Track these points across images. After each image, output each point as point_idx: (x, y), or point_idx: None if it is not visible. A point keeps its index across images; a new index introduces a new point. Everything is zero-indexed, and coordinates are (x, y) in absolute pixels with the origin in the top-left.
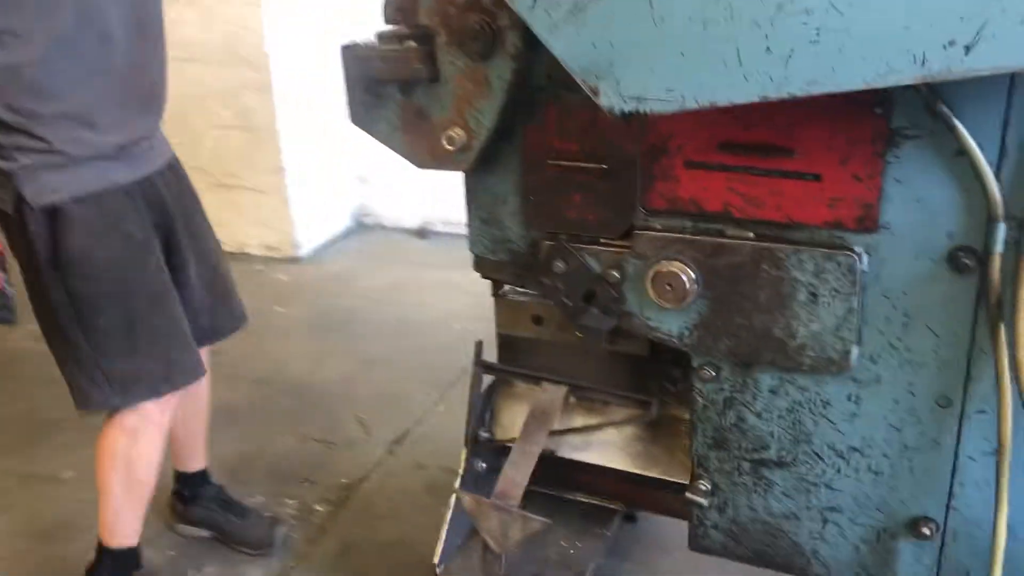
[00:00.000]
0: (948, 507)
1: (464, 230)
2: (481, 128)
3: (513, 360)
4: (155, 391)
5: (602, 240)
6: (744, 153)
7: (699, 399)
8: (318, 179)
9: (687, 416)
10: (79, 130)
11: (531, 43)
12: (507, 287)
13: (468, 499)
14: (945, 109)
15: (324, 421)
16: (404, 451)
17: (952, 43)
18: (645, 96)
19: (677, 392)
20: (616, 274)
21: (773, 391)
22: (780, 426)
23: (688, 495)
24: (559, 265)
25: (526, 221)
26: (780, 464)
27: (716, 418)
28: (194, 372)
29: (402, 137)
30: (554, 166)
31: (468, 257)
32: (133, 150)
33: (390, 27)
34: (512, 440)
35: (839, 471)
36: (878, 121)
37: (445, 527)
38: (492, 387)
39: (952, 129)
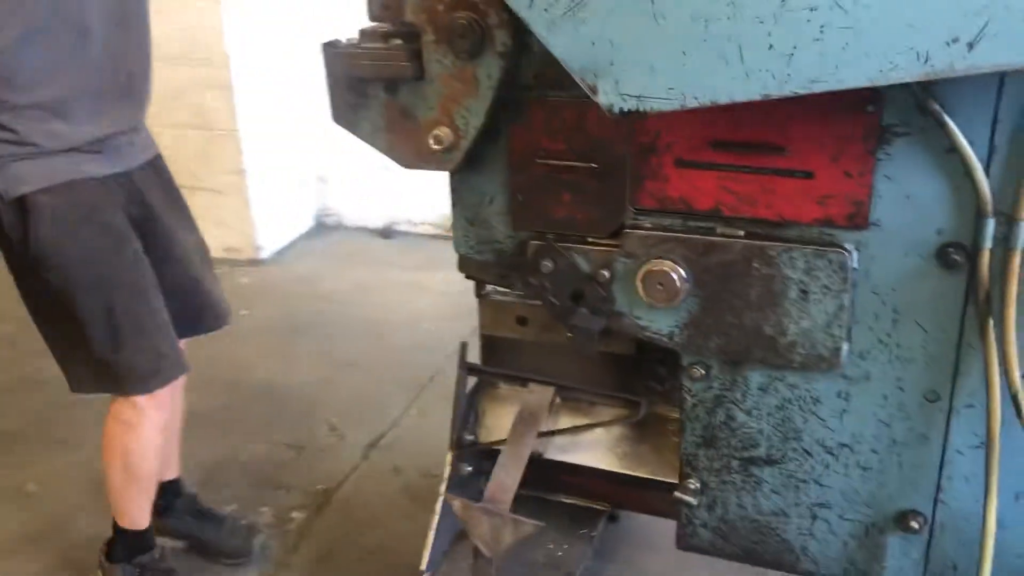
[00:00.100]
0: (936, 500)
1: (428, 230)
2: (468, 127)
3: (497, 361)
4: (145, 386)
5: (590, 239)
6: (735, 151)
7: (688, 398)
8: (279, 179)
9: (674, 415)
10: (51, 121)
11: (520, 41)
12: (490, 287)
13: (458, 504)
14: (937, 106)
15: (296, 426)
16: (379, 455)
17: (955, 40)
18: (645, 95)
19: (664, 391)
20: (606, 273)
21: (763, 389)
22: (770, 424)
23: (677, 494)
24: (547, 265)
25: (513, 221)
26: (769, 461)
27: (705, 417)
28: (182, 366)
29: (386, 136)
30: (542, 165)
31: (433, 257)
32: (109, 144)
33: (372, 24)
34: (497, 443)
35: (828, 467)
36: (870, 118)
37: (432, 532)
38: (476, 389)
39: (943, 126)
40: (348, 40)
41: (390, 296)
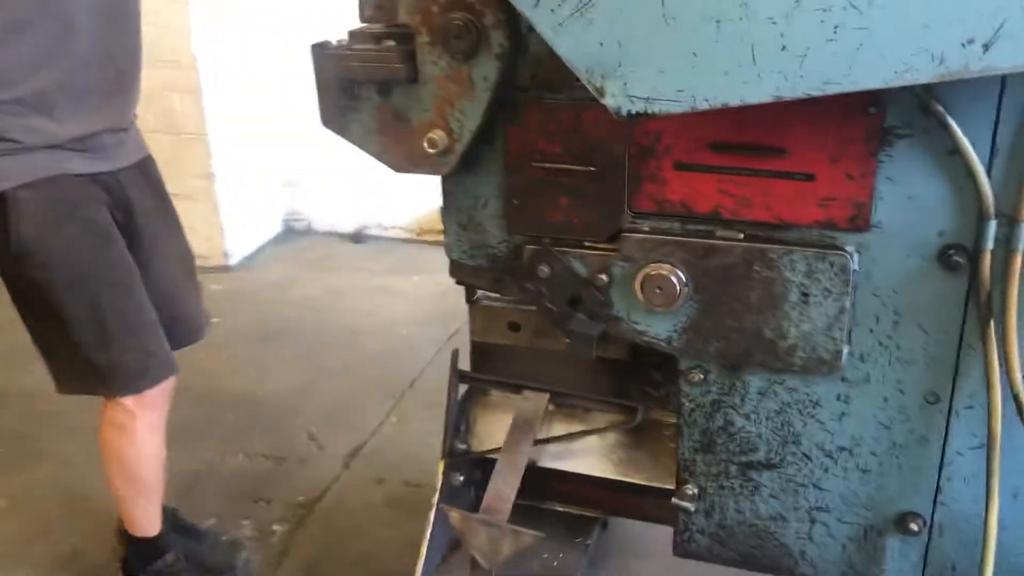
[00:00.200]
0: (935, 502)
1: (400, 234)
2: (464, 130)
3: (488, 368)
4: (134, 386)
5: (587, 243)
6: (735, 153)
7: (686, 402)
8: (247, 184)
9: (670, 420)
10: (33, 118)
11: (516, 42)
12: (480, 293)
13: (455, 515)
14: (940, 108)
15: (273, 436)
16: (360, 465)
17: (971, 41)
18: (654, 97)
19: (660, 396)
20: (604, 278)
21: (762, 393)
22: (768, 428)
23: (675, 500)
24: (543, 269)
25: (508, 225)
26: (768, 466)
27: (703, 421)
28: (171, 366)
29: (378, 140)
30: (538, 168)
31: (406, 261)
32: (94, 142)
33: (362, 25)
34: (490, 451)
35: (827, 471)
36: (872, 120)
37: (425, 544)
38: (467, 397)
39: (946, 128)
40: (339, 42)
41: (363, 301)
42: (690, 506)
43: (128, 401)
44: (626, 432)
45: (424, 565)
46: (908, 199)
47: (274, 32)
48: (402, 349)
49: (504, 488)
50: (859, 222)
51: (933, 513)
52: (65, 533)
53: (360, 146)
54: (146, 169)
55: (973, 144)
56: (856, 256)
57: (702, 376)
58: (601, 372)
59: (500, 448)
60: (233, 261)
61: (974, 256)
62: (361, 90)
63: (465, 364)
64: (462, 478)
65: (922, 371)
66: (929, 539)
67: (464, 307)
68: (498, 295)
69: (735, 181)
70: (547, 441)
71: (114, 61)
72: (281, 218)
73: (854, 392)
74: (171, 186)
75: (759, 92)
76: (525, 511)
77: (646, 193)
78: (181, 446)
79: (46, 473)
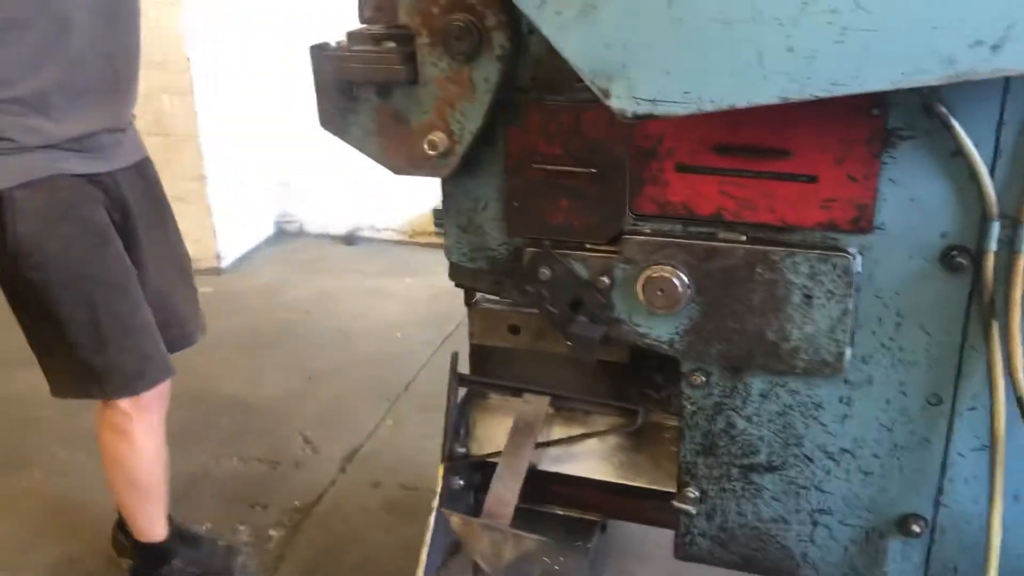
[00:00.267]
0: (937, 504)
1: (392, 236)
2: (464, 132)
3: (487, 371)
4: (130, 388)
5: (588, 246)
6: (737, 155)
7: (688, 405)
8: (239, 185)
9: (671, 423)
10: (30, 117)
11: (517, 43)
12: (479, 296)
13: (457, 520)
14: (943, 109)
15: (268, 440)
16: (356, 469)
17: (979, 43)
18: (660, 98)
19: (661, 398)
20: (605, 280)
21: (764, 395)
22: (770, 430)
23: (676, 503)
24: (544, 272)
25: (508, 227)
26: (770, 468)
27: (705, 424)
28: (168, 368)
29: (378, 141)
30: (539, 170)
31: (398, 263)
32: (91, 142)
33: (361, 27)
34: (490, 455)
35: (829, 473)
36: (875, 122)
37: (425, 548)
38: (465, 400)
39: (949, 129)
40: (338, 43)
41: (356, 304)
42: (692, 509)
43: (124, 403)
44: (626, 435)
45: (424, 570)
46: (911, 201)
47: (265, 34)
48: (396, 352)
49: (505, 492)
50: (862, 224)
51: (935, 515)
52: (58, 541)
53: (359, 148)
54: (144, 171)
55: (976, 145)
56: (859, 258)
57: (704, 378)
58: (601, 375)
59: (500, 452)
60: (225, 263)
61: (977, 257)
62: (360, 92)
63: (463, 367)
64: (462, 482)
65: (924, 373)
66: (931, 541)
67: (458, 309)
68: (497, 298)
69: (737, 183)
70: (548, 444)
71: (112, 61)
72: (273, 220)
73: (856, 394)
74: (163, 188)
75: (766, 94)
76: (524, 514)
77: (647, 195)
78: (175, 450)
79: (26, 484)
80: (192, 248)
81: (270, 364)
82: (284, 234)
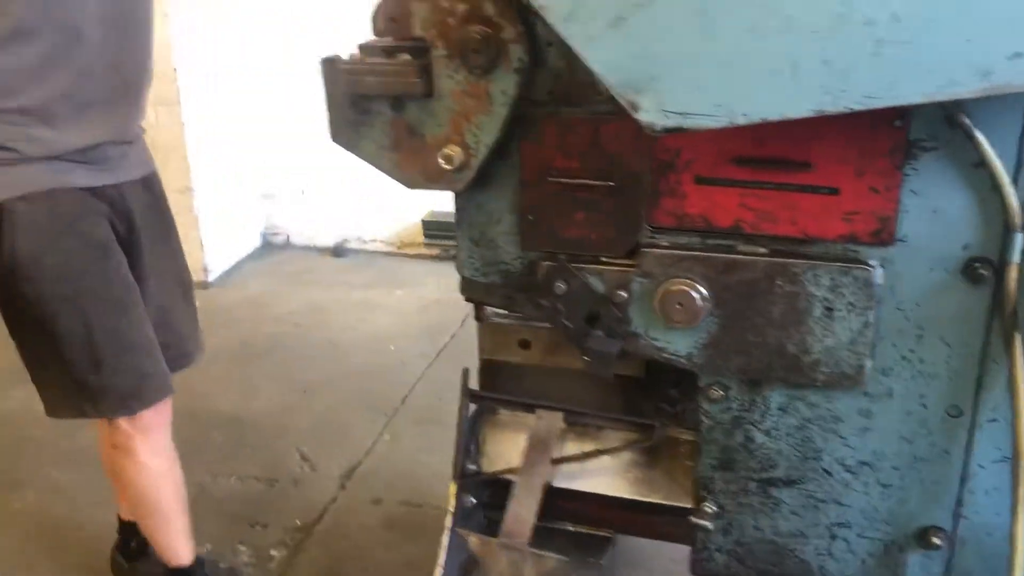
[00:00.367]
0: (957, 516)
1: (380, 247)
2: (480, 145)
3: (497, 387)
4: (126, 407)
5: (604, 259)
6: (758, 167)
7: (705, 420)
8: (225, 197)
9: (685, 437)
10: (35, 127)
11: (535, 56)
12: (489, 310)
13: (475, 540)
14: (967, 121)
15: (264, 457)
16: (356, 486)
17: (1017, 55)
18: (690, 112)
19: (675, 413)
20: (623, 294)
21: (782, 409)
22: (789, 444)
23: (694, 519)
24: (560, 286)
25: (523, 241)
26: (788, 482)
27: (723, 439)
28: (166, 387)
29: (391, 156)
30: (554, 184)
31: (388, 275)
32: (97, 154)
33: (372, 40)
34: (503, 472)
35: (848, 486)
36: (897, 133)
37: (440, 569)
38: (475, 417)
39: (972, 140)
40: (350, 56)
41: (347, 317)
42: (709, 524)
43: (124, 423)
44: (640, 450)
45: None
46: (933, 212)
47: (254, 45)
48: (390, 364)
49: (522, 511)
50: (883, 236)
51: (955, 527)
52: (54, 564)
53: (372, 163)
54: (150, 185)
55: (999, 156)
56: (880, 270)
57: (722, 393)
58: (614, 389)
59: (513, 469)
60: (212, 276)
61: (999, 269)
62: (373, 105)
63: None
64: (474, 500)
65: (945, 385)
66: (951, 553)
67: (451, 321)
68: (507, 312)
69: (757, 195)
70: (563, 461)
71: (120, 71)
72: (259, 232)
73: (876, 407)
74: None
75: (800, 107)
76: (534, 532)
77: (665, 208)
78: None
79: (19, 505)
80: None
81: (262, 378)
82: (270, 246)
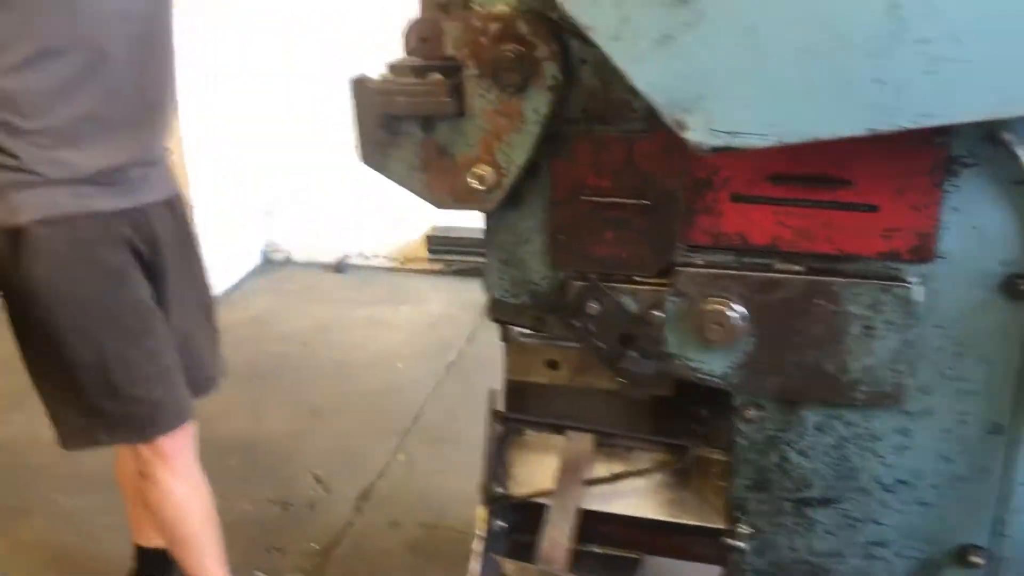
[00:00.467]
0: (997, 534)
1: (383, 263)
2: (512, 165)
3: (523, 408)
4: (141, 435)
5: (637, 278)
6: (795, 185)
7: (740, 440)
8: (226, 214)
9: (716, 457)
10: (58, 149)
11: (568, 74)
12: (515, 330)
13: (512, 566)
14: (1009, 137)
15: (277, 481)
16: (373, 508)
17: None
18: (739, 131)
19: (706, 433)
20: (657, 314)
21: (819, 428)
22: (825, 463)
23: (728, 540)
24: (592, 306)
25: (553, 261)
26: (824, 502)
27: (757, 459)
28: (182, 414)
29: (421, 177)
30: (586, 202)
31: (393, 291)
32: (121, 176)
33: (401, 58)
34: (534, 495)
35: (885, 505)
36: (938, 150)
37: None
38: (502, 439)
39: (1014, 157)
40: (380, 76)
41: (353, 335)
42: (743, 546)
43: (144, 449)
44: (671, 471)
45: None
46: (973, 229)
47: (254, 60)
48: (399, 383)
49: (558, 535)
50: (923, 253)
51: (995, 545)
52: None
53: (402, 184)
54: (174, 207)
55: None
56: (920, 287)
57: (758, 413)
58: (643, 409)
59: (543, 491)
60: (214, 295)
61: None
62: (403, 125)
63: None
64: (504, 525)
65: (985, 402)
66: (990, 572)
67: (459, 338)
68: (533, 332)
69: (794, 212)
70: (595, 482)
71: (145, 93)
72: (260, 249)
73: (915, 425)
74: None
75: (853, 126)
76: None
77: (700, 226)
78: None
79: (38, 530)
80: None
81: (270, 400)
82: (271, 264)
